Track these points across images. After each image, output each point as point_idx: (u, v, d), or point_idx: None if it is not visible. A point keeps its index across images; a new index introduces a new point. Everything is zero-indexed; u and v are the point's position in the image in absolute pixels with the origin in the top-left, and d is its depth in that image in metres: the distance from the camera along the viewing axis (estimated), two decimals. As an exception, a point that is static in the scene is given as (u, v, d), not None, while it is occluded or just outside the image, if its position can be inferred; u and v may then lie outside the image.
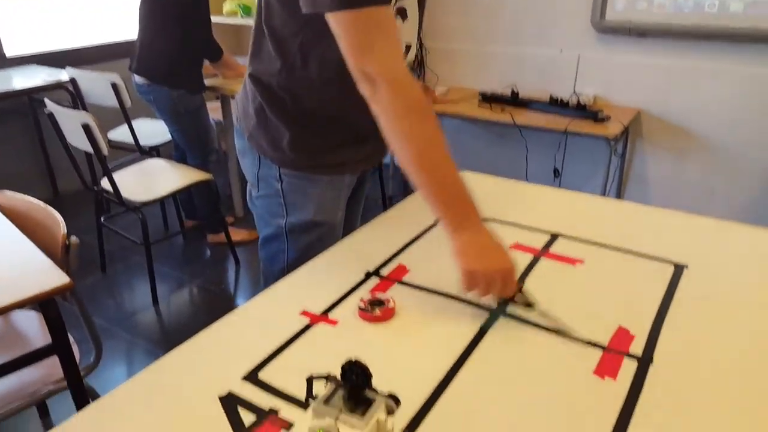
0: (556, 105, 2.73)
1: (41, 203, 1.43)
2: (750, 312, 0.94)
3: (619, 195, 3.01)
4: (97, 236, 2.62)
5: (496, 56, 3.15)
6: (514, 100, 2.81)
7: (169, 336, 2.28)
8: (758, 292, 0.99)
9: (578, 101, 2.78)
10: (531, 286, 1.01)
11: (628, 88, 2.85)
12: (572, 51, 2.93)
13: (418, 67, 3.30)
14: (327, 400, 0.59)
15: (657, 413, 0.74)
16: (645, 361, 0.83)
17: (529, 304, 0.94)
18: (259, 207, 1.27)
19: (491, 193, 1.40)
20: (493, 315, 0.94)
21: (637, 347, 0.86)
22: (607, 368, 0.82)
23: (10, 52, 3.14)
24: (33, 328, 1.48)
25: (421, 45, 3.26)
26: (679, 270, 1.05)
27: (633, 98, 2.85)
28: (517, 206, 1.32)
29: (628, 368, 0.82)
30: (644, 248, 1.13)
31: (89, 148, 2.14)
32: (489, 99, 2.84)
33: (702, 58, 2.65)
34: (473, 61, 3.24)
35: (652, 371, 0.81)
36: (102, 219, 2.58)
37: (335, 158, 1.20)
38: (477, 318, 0.93)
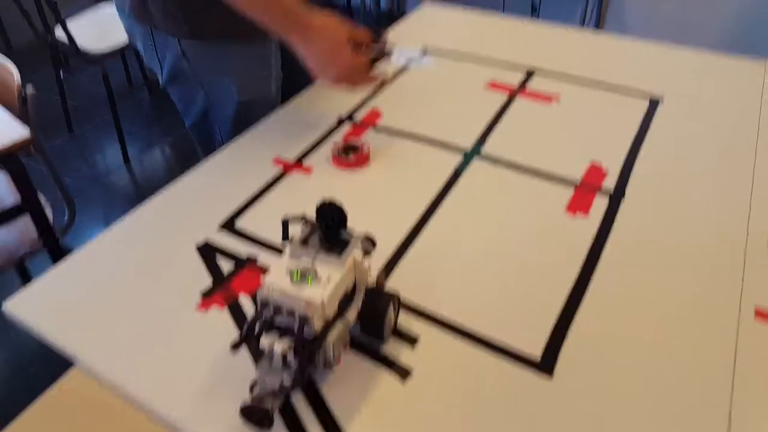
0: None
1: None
2: (724, 143, 0.94)
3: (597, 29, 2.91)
4: (59, 92, 2.50)
5: None
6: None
7: (145, 194, 2.26)
8: (732, 123, 0.99)
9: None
10: (506, 125, 1.00)
11: None
12: None
13: None
14: (303, 242, 0.59)
15: (628, 246, 0.76)
16: (617, 197, 0.84)
17: (385, 54, 0.97)
18: (174, 96, 1.11)
19: (465, 26, 1.34)
20: (468, 157, 0.93)
21: (610, 183, 0.87)
22: (579, 204, 0.83)
23: None
24: (2, 190, 1.45)
25: None
26: (654, 103, 1.04)
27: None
28: (492, 41, 1.27)
29: (600, 204, 0.83)
30: (620, 81, 1.10)
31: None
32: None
33: None
34: None
35: (624, 206, 0.82)
36: (61, 74, 2.44)
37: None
38: (451, 160, 0.92)
